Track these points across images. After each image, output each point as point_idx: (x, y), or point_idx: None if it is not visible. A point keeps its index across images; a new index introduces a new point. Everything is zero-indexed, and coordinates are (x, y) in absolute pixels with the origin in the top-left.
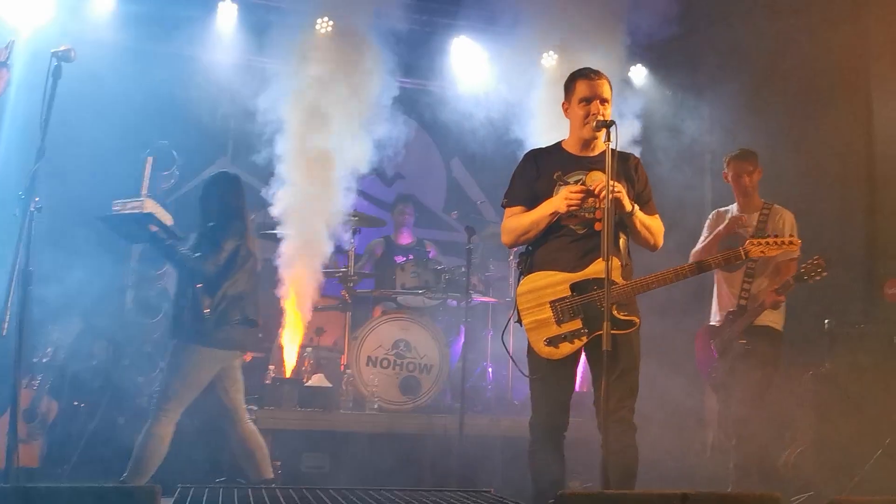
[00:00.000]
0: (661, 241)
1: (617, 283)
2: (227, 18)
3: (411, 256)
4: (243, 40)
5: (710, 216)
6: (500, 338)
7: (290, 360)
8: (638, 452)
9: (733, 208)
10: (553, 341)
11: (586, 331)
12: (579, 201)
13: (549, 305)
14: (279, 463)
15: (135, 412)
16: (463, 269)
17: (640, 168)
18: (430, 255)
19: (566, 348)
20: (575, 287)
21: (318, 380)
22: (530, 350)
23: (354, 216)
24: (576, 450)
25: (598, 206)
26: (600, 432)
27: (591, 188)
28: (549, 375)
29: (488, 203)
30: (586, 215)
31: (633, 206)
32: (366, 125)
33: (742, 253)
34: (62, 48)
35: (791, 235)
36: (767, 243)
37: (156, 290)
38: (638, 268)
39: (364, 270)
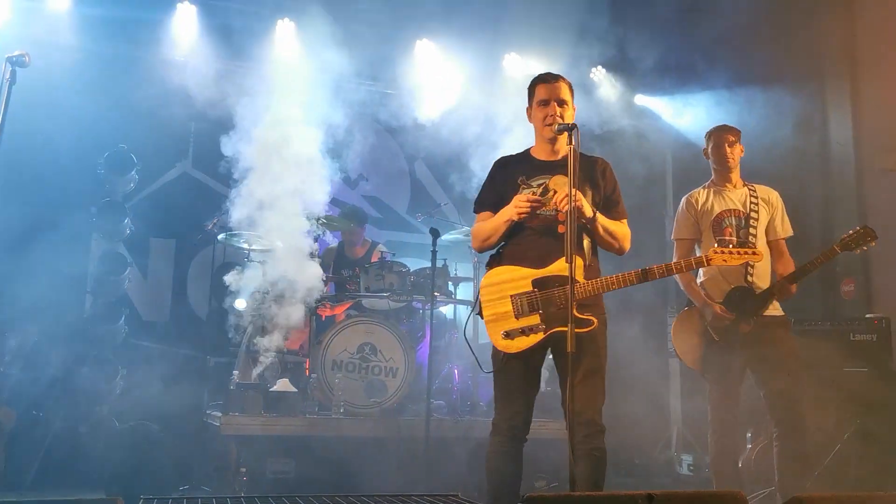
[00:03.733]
0: (626, 245)
1: (578, 282)
2: (185, 20)
3: (356, 270)
4: (203, 42)
5: (682, 203)
6: (462, 333)
7: (254, 366)
8: (606, 455)
9: (705, 190)
10: (511, 334)
11: (543, 326)
12: (528, 210)
13: (509, 299)
14: (244, 469)
15: (96, 420)
16: (428, 272)
17: (607, 172)
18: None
19: (523, 342)
20: (536, 283)
21: (283, 385)
22: (494, 346)
23: (321, 220)
24: (544, 450)
25: (559, 209)
26: (568, 435)
27: (543, 202)
28: (510, 373)
29: (452, 205)
30: (550, 214)
31: (594, 213)
32: (329, 127)
33: (704, 260)
34: (16, 53)
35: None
36: (730, 252)
37: (116, 295)
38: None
39: (332, 275)
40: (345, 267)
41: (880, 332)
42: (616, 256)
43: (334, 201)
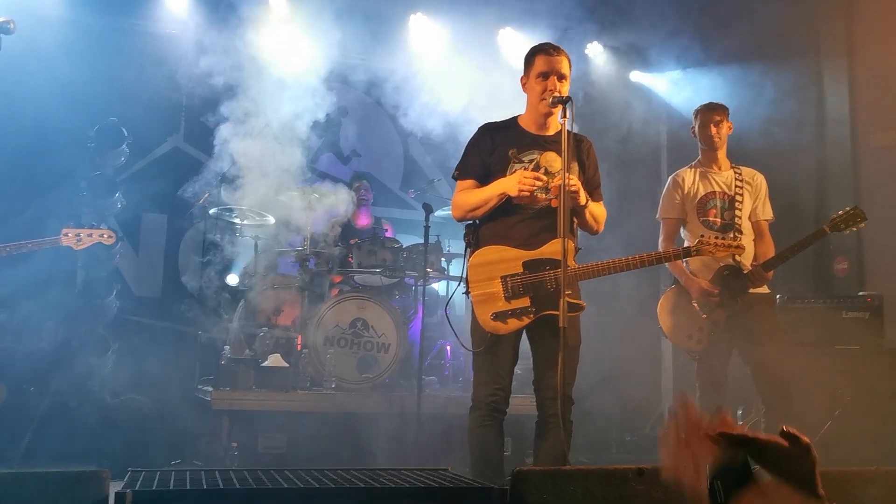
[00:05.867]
0: (602, 227)
1: (571, 266)
2: None
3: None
4: (195, 14)
5: (669, 182)
6: (443, 311)
7: (246, 341)
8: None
9: (691, 170)
10: (500, 316)
11: (534, 309)
12: (532, 189)
13: (499, 280)
14: (235, 444)
15: (86, 395)
16: (420, 248)
17: (591, 152)
18: (387, 235)
19: (513, 324)
20: (527, 265)
21: (274, 360)
22: (475, 323)
23: (316, 194)
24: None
25: (550, 185)
26: (538, 410)
27: (546, 184)
28: (493, 350)
29: (444, 181)
30: (539, 195)
31: (587, 200)
32: (322, 101)
33: (692, 251)
34: (1, 20)
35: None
36: (717, 244)
37: (107, 270)
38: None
39: (324, 251)
40: (352, 237)
41: (873, 310)
42: (605, 235)
43: (326, 177)
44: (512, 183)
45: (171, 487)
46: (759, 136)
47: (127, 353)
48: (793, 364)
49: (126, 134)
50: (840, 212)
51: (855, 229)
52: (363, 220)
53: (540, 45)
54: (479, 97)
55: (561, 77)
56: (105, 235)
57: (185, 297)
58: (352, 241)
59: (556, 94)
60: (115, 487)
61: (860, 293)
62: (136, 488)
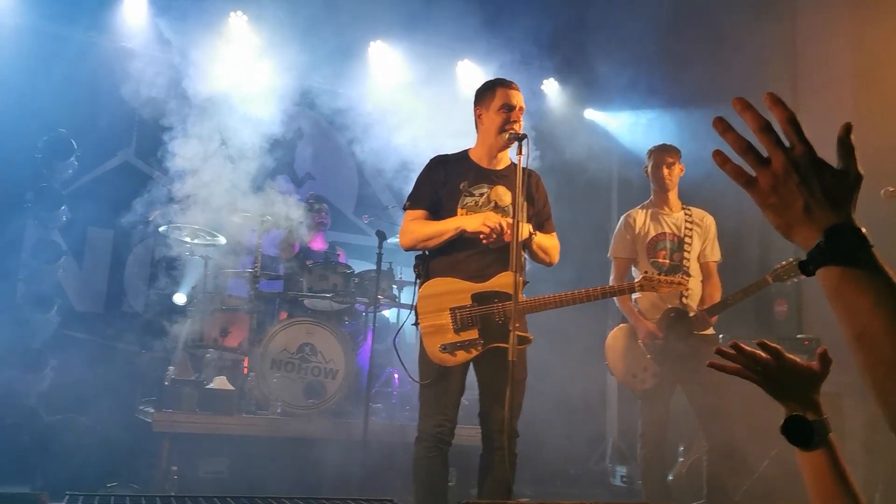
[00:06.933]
0: (556, 259)
1: (519, 299)
2: (135, 5)
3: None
4: (152, 29)
5: (620, 222)
6: (392, 342)
7: (192, 362)
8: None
9: (643, 211)
10: (448, 348)
11: (482, 342)
12: (492, 231)
13: (448, 312)
14: (175, 468)
15: (23, 412)
16: (372, 274)
17: (540, 185)
18: (339, 260)
19: (461, 356)
20: (476, 297)
21: (220, 382)
22: (423, 355)
23: (266, 216)
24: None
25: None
26: (483, 442)
27: (501, 228)
28: (441, 382)
29: (398, 208)
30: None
31: (531, 233)
32: (278, 123)
33: (637, 287)
34: None
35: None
36: (660, 281)
37: (50, 283)
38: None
39: (276, 272)
40: (307, 258)
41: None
42: (555, 270)
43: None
44: (475, 224)
45: None
46: (706, 180)
47: (66, 370)
48: (735, 404)
49: (75, 146)
50: (783, 262)
51: (796, 280)
52: (318, 244)
53: (497, 79)
54: (436, 126)
55: (521, 110)
56: None
57: (130, 315)
58: (307, 264)
59: (513, 130)
60: None
61: (798, 336)
62: None
